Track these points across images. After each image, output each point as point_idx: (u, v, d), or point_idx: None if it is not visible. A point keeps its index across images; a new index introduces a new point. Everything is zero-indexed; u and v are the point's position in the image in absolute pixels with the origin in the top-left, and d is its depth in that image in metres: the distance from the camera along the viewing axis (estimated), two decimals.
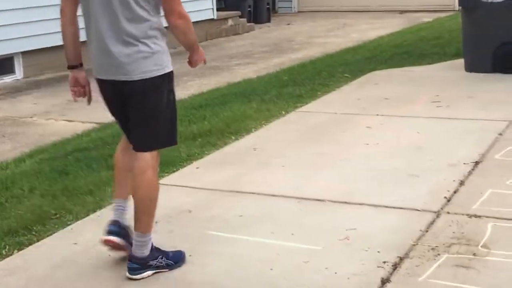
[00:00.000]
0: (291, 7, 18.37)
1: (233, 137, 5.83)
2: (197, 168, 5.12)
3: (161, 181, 4.83)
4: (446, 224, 3.89)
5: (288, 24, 15.72)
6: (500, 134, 5.48)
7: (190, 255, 3.65)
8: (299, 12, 18.25)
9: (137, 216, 3.40)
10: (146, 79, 3.26)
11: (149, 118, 3.35)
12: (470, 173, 4.67)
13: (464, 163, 4.84)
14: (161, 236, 3.89)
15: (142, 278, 3.41)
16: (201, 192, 4.61)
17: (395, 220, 4.00)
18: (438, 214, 4.03)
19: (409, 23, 14.80)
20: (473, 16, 7.84)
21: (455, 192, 4.35)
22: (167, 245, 3.78)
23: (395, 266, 3.44)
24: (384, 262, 3.48)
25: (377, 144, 5.43)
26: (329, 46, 11.85)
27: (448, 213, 4.04)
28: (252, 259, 3.59)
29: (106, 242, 3.54)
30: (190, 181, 4.78)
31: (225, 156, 5.39)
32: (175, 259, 3.53)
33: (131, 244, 3.47)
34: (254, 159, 5.24)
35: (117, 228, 3.54)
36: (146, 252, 3.41)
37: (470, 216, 3.97)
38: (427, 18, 15.47)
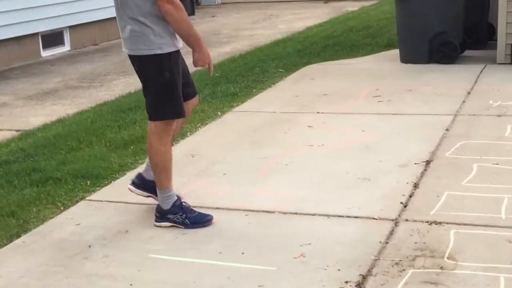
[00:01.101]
0: None
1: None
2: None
3: (91, 197, 4.44)
4: (406, 233, 3.62)
5: (213, 16, 15.33)
6: (447, 130, 5.29)
7: (131, 284, 3.26)
8: (222, 3, 17.87)
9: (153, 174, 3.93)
10: (140, 55, 3.69)
11: (144, 90, 3.83)
12: (423, 174, 4.43)
13: (415, 163, 4.61)
14: (95, 263, 3.48)
15: (161, 227, 3.86)
16: (137, 208, 4.19)
17: (352, 231, 3.71)
18: (396, 222, 3.77)
19: (335, 12, 14.67)
20: (407, 6, 7.67)
21: (410, 196, 4.10)
22: (104, 273, 3.38)
23: (359, 286, 3.14)
24: (347, 282, 3.18)
25: (322, 145, 5.14)
26: (257, 39, 11.54)
27: (407, 220, 3.78)
28: (201, 286, 3.23)
29: (129, 189, 4.15)
30: (125, 196, 4.35)
31: None
32: (194, 220, 3.86)
33: (155, 194, 4.00)
34: (193, 167, 4.86)
35: (138, 180, 4.12)
36: (166, 206, 3.87)
37: (430, 223, 3.72)
38: (351, 7, 15.39)
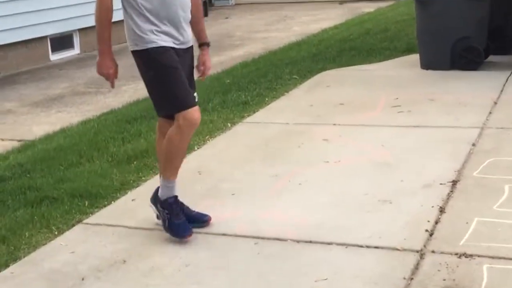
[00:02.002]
0: (228, 0, 17.62)
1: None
2: (133, 200, 4.36)
3: (88, 220, 4.11)
4: (433, 268, 3.26)
5: (227, 17, 14.99)
6: (473, 145, 4.91)
7: None
8: (236, 4, 17.53)
9: None
10: (132, 51, 3.60)
11: (145, 86, 3.71)
12: (449, 196, 4.06)
13: (441, 183, 4.24)
14: None
15: (153, 210, 3.85)
16: (137, 234, 3.85)
17: (373, 264, 3.35)
18: (422, 254, 3.40)
19: (351, 14, 14.28)
20: (429, 10, 7.29)
21: (436, 222, 3.73)
22: None
23: None
24: None
25: (338, 161, 4.78)
26: (271, 41, 11.19)
27: (433, 252, 3.41)
28: None
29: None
30: (125, 219, 4.03)
31: None
32: (172, 228, 3.70)
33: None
34: (200, 185, 4.51)
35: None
36: (162, 196, 3.74)
37: (459, 255, 3.35)
38: (367, 8, 14.99)
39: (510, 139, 4.98)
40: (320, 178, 4.51)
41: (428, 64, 7.41)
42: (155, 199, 3.84)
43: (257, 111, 6.28)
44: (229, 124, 5.87)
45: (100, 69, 3.64)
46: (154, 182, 4.62)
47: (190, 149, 5.21)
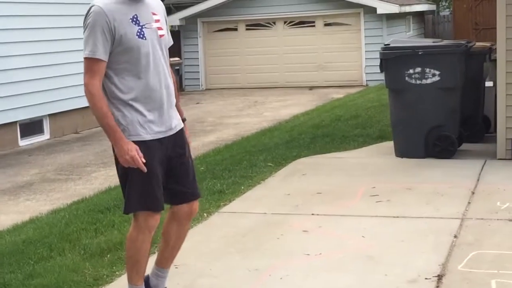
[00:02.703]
0: (199, 85, 17.77)
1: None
2: None
3: None
4: None
5: (198, 103, 15.05)
6: (455, 237, 4.84)
7: None
8: (206, 89, 17.67)
9: None
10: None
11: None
12: None
13: (426, 278, 4.13)
14: None
15: None
16: None
17: None
18: None
19: (321, 100, 14.47)
20: (402, 99, 7.38)
21: None
22: None
23: None
24: None
25: (319, 254, 4.65)
26: (243, 127, 11.21)
27: None
28: None
29: None
30: None
31: None
32: None
33: None
34: (177, 281, 4.32)
35: None
36: None
37: None
38: (337, 94, 15.22)
39: (491, 231, 4.93)
40: (301, 272, 4.37)
41: (402, 152, 7.43)
42: None
43: (233, 200, 6.16)
44: (205, 214, 5.73)
45: (123, 157, 3.42)
46: None
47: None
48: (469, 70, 7.40)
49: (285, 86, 17.10)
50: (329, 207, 5.73)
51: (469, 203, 5.63)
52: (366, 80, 16.56)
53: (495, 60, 7.26)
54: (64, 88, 11.15)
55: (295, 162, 7.59)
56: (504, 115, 7.02)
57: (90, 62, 3.41)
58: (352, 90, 15.61)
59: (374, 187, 6.23)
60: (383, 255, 4.57)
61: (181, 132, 3.69)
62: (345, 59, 16.72)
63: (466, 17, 19.68)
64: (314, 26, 17.06)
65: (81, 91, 12.26)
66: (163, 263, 3.88)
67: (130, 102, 3.46)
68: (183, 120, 3.81)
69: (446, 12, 22.94)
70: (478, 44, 8.20)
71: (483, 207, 5.48)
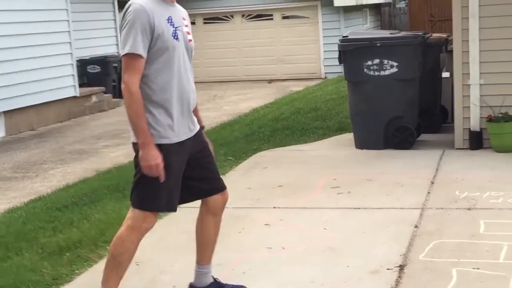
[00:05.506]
0: None
1: (109, 248, 4.82)
2: None
3: None
4: None
5: None
6: (416, 227, 4.88)
7: None
8: None
9: None
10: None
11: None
12: (398, 282, 3.97)
13: (388, 268, 4.15)
14: None
15: None
16: None
17: None
18: None
19: (280, 93, 14.47)
20: (361, 91, 7.41)
21: None
22: None
23: None
24: None
25: (282, 248, 4.64)
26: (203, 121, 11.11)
27: None
28: None
29: None
30: None
31: (100, 275, 4.35)
32: None
33: None
34: (138, 278, 4.27)
35: None
36: None
37: None
38: (296, 87, 15.24)
39: (451, 220, 4.98)
40: (264, 266, 4.35)
41: (362, 143, 7.47)
42: None
43: None
44: None
45: (147, 162, 3.35)
46: (88, 276, 4.38)
47: None
48: (426, 61, 7.47)
49: (244, 79, 17.07)
50: (291, 200, 5.72)
51: (428, 193, 5.68)
52: (325, 73, 16.63)
53: (451, 51, 7.34)
54: (20, 84, 10.91)
55: (255, 156, 7.56)
56: (461, 106, 7.10)
57: (130, 59, 3.34)
58: (311, 83, 15.65)
59: (334, 179, 6.25)
60: (345, 247, 4.58)
61: (199, 131, 3.71)
62: (304, 52, 16.75)
63: (421, 9, 19.95)
64: (272, 19, 17.06)
65: (37, 87, 12.05)
66: (207, 260, 3.92)
67: (162, 103, 3.43)
68: (202, 127, 3.79)
69: (402, 4, 23.16)
70: (435, 35, 8.29)
71: (442, 197, 5.54)
